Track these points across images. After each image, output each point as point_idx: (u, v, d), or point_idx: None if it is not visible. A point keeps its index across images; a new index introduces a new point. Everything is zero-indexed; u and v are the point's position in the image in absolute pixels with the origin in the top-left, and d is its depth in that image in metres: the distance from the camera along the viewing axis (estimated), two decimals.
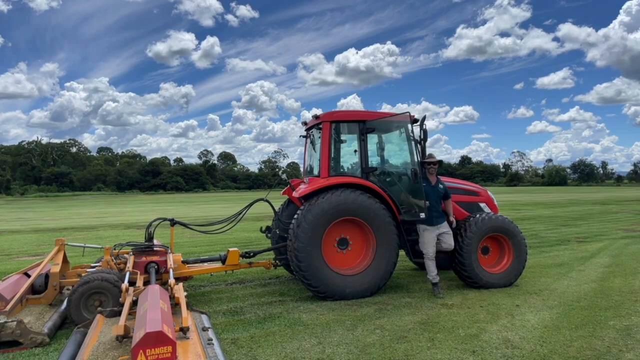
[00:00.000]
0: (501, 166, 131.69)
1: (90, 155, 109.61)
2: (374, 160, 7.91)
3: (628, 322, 5.62)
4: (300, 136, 8.65)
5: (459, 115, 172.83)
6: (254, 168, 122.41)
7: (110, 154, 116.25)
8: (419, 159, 7.31)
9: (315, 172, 7.77)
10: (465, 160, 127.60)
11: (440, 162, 7.36)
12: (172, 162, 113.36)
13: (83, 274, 6.03)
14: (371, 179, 7.33)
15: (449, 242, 7.14)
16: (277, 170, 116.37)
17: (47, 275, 6.13)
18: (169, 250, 6.97)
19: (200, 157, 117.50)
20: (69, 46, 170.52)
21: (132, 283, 5.59)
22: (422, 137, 7.33)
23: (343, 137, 7.86)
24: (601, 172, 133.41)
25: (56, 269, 6.06)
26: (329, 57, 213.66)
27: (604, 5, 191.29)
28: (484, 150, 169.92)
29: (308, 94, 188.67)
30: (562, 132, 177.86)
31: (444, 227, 7.17)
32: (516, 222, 8.23)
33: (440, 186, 7.27)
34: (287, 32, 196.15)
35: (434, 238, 7.11)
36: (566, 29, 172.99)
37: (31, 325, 5.11)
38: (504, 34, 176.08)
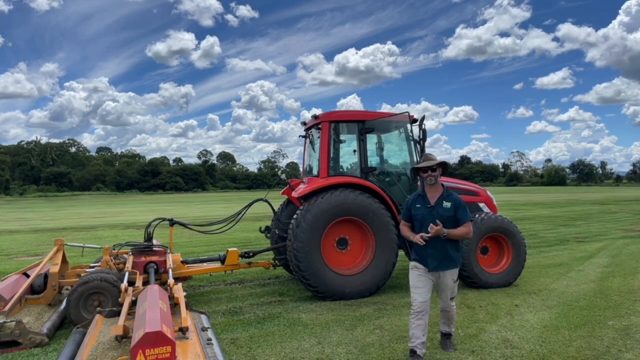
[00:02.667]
0: (500, 166, 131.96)
1: (90, 155, 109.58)
2: (373, 160, 7.92)
3: (627, 322, 5.63)
4: (300, 136, 8.67)
5: (459, 115, 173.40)
6: (253, 168, 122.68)
7: (109, 153, 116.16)
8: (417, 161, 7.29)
9: (315, 172, 7.77)
10: (464, 160, 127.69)
11: (442, 164, 4.55)
12: (171, 162, 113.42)
13: (82, 274, 6.02)
14: (370, 179, 7.33)
15: (443, 297, 4.60)
16: (276, 170, 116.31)
17: (46, 275, 6.12)
18: (168, 250, 6.96)
19: (199, 157, 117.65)
20: (68, 46, 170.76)
21: (131, 283, 5.58)
22: (421, 137, 7.32)
23: (342, 137, 7.86)
24: (600, 172, 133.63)
25: (55, 269, 6.05)
26: (329, 57, 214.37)
27: (603, 5, 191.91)
28: (483, 150, 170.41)
29: (308, 94, 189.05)
30: (561, 132, 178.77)
31: (447, 276, 4.50)
32: (515, 222, 8.23)
33: (446, 204, 4.45)
34: (287, 32, 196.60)
35: (425, 282, 4.44)
36: (566, 29, 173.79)
37: (30, 325, 5.10)
38: (503, 34, 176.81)
